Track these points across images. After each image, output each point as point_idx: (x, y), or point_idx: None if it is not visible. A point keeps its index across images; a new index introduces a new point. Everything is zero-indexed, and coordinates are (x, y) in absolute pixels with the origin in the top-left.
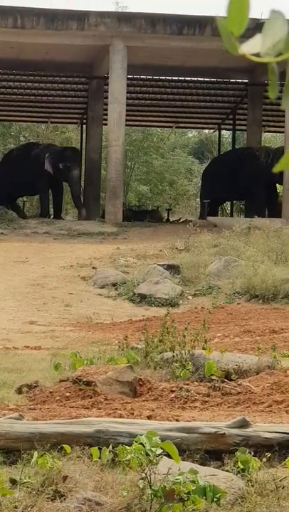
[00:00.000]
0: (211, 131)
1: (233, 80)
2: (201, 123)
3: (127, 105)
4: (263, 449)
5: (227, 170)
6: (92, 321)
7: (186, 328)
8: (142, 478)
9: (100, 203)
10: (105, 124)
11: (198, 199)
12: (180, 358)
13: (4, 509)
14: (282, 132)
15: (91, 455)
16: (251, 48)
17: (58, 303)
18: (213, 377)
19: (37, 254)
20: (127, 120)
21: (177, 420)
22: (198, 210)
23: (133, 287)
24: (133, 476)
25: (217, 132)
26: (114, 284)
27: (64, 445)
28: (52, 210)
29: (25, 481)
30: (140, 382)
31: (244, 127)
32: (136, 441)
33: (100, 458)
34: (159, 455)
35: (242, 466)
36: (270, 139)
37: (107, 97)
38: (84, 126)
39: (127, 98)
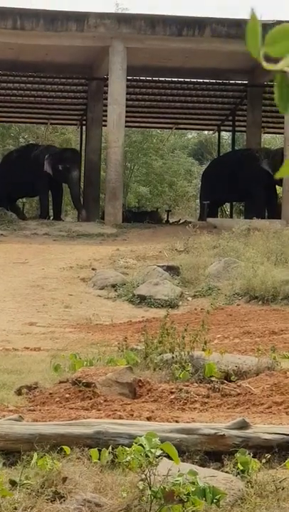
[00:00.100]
0: (211, 132)
1: (233, 81)
2: (201, 124)
3: (127, 106)
4: (262, 450)
5: (227, 171)
6: (91, 322)
7: (185, 330)
8: (141, 480)
9: (99, 205)
10: (105, 126)
11: (198, 200)
12: (180, 360)
13: (4, 510)
14: (282, 134)
15: (91, 456)
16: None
17: (57, 304)
18: (213, 379)
19: (37, 255)
20: (126, 121)
21: (177, 421)
22: (198, 211)
23: (133, 288)
24: (133, 478)
25: (217, 133)
26: (113, 286)
27: (64, 446)
28: (52, 211)
29: (24, 482)
30: (140, 384)
31: (244, 128)
32: (135, 443)
33: (99, 459)
34: (159, 456)
35: (242, 468)
36: (270, 140)
37: (106, 99)
38: (83, 127)
39: (127, 99)
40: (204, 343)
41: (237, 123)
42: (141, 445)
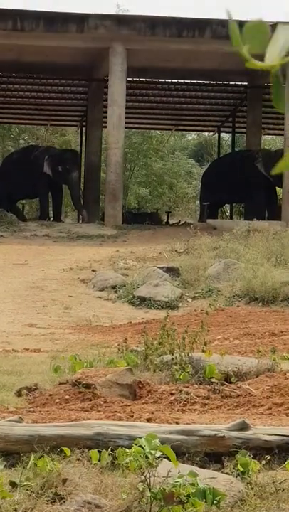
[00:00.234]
0: (211, 133)
1: (233, 83)
2: (201, 125)
3: (127, 108)
4: (262, 451)
5: (227, 172)
6: (91, 323)
7: (185, 331)
8: (141, 481)
9: (99, 206)
10: (105, 127)
11: (198, 202)
12: (180, 361)
13: None
14: (282, 135)
15: (91, 458)
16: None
17: (57, 305)
18: (213, 380)
19: (36, 256)
20: (126, 123)
21: (177, 423)
22: (198, 212)
23: (133, 290)
24: (133, 479)
25: (217, 135)
26: (113, 287)
27: (64, 448)
28: (51, 212)
29: (25, 483)
30: (140, 385)
31: (244, 130)
32: (135, 444)
33: (99, 460)
34: (159, 458)
35: (242, 469)
36: (270, 141)
37: (106, 100)
38: (83, 128)
39: (127, 101)
40: (204, 344)
41: (237, 124)
42: (141, 446)
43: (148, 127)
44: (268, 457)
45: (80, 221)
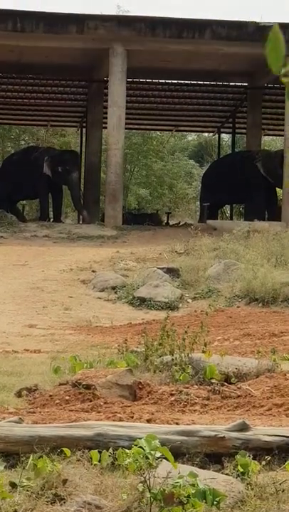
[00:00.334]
0: (211, 134)
1: (233, 84)
2: (201, 126)
3: (127, 108)
4: (262, 452)
5: (227, 173)
6: (91, 324)
7: (186, 332)
8: (141, 482)
9: (99, 207)
10: (105, 128)
11: (198, 202)
12: (180, 362)
13: None
14: (282, 135)
15: (91, 458)
16: None
17: (57, 306)
18: (213, 381)
19: (36, 257)
20: (126, 123)
21: (177, 423)
22: (198, 213)
23: (133, 291)
24: (133, 480)
25: (217, 135)
26: (113, 288)
27: (64, 448)
28: (52, 213)
29: (25, 484)
30: (140, 386)
31: (244, 130)
32: (135, 445)
33: (99, 461)
34: (159, 458)
35: (242, 470)
36: (270, 142)
37: (106, 101)
38: (84, 129)
39: (127, 101)
40: (204, 345)
41: (237, 125)
42: (141, 447)
43: (148, 128)
44: (268, 458)
45: (81, 222)
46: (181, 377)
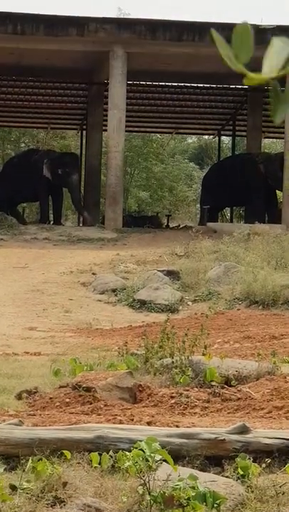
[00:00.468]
0: (211, 137)
1: (233, 86)
2: (201, 129)
3: (127, 111)
4: (262, 455)
5: (227, 176)
6: (91, 326)
7: (186, 334)
8: (141, 484)
9: (99, 209)
10: (105, 130)
11: (198, 205)
12: (180, 364)
13: None
14: (282, 138)
15: (91, 461)
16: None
17: (57, 309)
18: (213, 383)
19: (37, 260)
20: (126, 126)
21: (177, 426)
22: (198, 216)
23: (133, 293)
24: (133, 482)
25: (217, 138)
26: (114, 290)
27: (64, 451)
28: (52, 216)
29: (25, 486)
30: (140, 388)
31: (244, 133)
32: (136, 447)
33: (99, 464)
34: (159, 461)
35: (242, 472)
36: (270, 144)
37: (106, 103)
38: (84, 132)
39: (127, 104)
40: (204, 347)
41: (237, 127)
42: (141, 450)
43: (148, 130)
44: (268, 460)
45: (81, 224)
46: (181, 380)
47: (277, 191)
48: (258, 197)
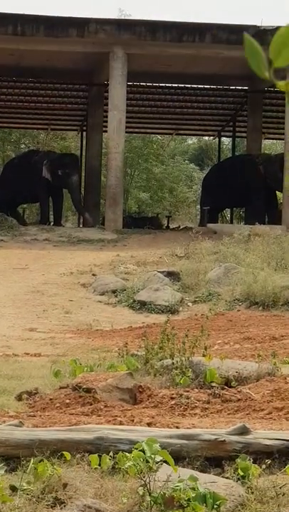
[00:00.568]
0: (211, 138)
1: (233, 87)
2: (201, 130)
3: (127, 112)
4: (263, 456)
5: (227, 177)
6: (92, 328)
7: (186, 335)
8: (141, 485)
9: (100, 210)
10: (105, 131)
11: (198, 206)
12: (180, 365)
13: None
14: (282, 139)
15: (91, 462)
16: None
17: (57, 310)
18: (213, 384)
19: (37, 261)
20: (127, 127)
21: (177, 427)
22: (198, 217)
23: (133, 294)
24: (133, 483)
25: (217, 139)
26: (114, 291)
27: (64, 452)
28: (52, 217)
29: (25, 488)
30: (140, 389)
31: (244, 134)
32: (136, 448)
33: (100, 465)
34: (159, 462)
35: (242, 473)
36: (270, 145)
37: (107, 104)
38: (84, 133)
39: (127, 105)
40: (204, 348)
41: (237, 128)
42: (141, 451)
43: (148, 132)
44: (269, 461)
45: (81, 225)
46: (181, 381)
47: (277, 192)
48: (258, 198)
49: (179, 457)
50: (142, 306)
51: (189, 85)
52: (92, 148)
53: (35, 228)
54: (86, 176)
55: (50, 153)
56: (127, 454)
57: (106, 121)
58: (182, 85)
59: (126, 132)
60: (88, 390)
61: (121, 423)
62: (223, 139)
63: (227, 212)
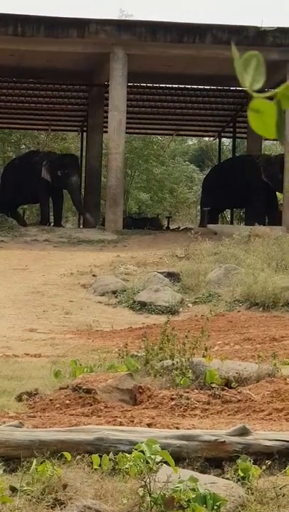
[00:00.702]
0: (212, 138)
1: (234, 88)
2: (202, 131)
3: (128, 113)
4: (263, 456)
5: (227, 178)
6: (92, 328)
7: (186, 336)
8: (141, 486)
9: (100, 211)
10: (105, 132)
11: (199, 207)
12: (180, 366)
13: None
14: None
15: (91, 463)
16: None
17: (58, 310)
18: (214, 385)
19: (37, 261)
20: (127, 128)
21: (177, 428)
22: (199, 217)
23: (133, 295)
24: (133, 484)
25: (217, 140)
26: (114, 292)
27: (64, 453)
28: (52, 217)
29: (25, 488)
30: (140, 390)
31: (244, 135)
32: (136, 449)
33: (100, 466)
34: (159, 463)
35: (242, 474)
36: (270, 146)
37: (107, 105)
38: (84, 133)
39: (128, 106)
40: (205, 349)
41: (238, 129)
42: (141, 451)
43: (149, 132)
44: (269, 462)
45: (82, 225)
46: (181, 382)
47: (277, 193)
48: (258, 199)
49: (179, 458)
50: (142, 306)
51: (190, 86)
52: (93, 149)
53: (35, 229)
54: (86, 177)
55: (50, 154)
56: (127, 454)
57: (106, 122)
58: (182, 86)
59: (126, 133)
60: (88, 391)
61: (121, 424)
62: (224, 139)
63: (227, 213)
